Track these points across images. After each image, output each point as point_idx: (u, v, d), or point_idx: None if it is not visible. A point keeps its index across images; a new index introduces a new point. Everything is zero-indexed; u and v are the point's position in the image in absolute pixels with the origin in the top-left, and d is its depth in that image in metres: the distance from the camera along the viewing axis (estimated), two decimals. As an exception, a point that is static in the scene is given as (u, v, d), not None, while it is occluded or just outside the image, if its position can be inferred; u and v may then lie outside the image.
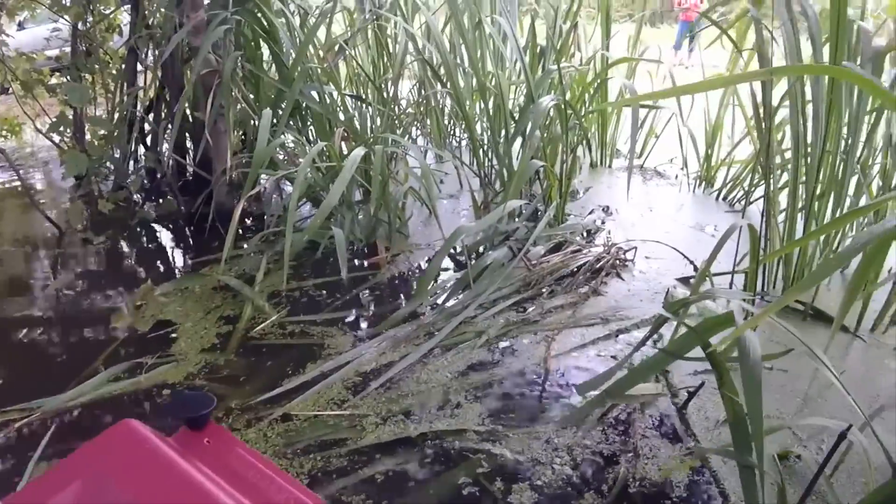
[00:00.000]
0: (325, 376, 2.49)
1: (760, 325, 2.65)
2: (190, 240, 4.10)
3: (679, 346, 2.05)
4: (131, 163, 4.91)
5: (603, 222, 3.96)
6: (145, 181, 4.93)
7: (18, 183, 4.63)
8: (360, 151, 3.22)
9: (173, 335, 2.85)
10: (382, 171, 3.43)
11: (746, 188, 4.20)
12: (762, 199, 3.77)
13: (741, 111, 4.28)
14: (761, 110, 2.89)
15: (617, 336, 2.77)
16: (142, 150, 4.97)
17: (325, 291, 3.22)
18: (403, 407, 2.33)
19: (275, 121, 3.65)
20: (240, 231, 3.88)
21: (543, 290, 3.10)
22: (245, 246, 3.61)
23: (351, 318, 2.99)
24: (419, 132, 5.37)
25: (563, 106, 3.63)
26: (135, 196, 4.67)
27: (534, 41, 4.29)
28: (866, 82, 2.18)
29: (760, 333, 2.75)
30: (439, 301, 3.06)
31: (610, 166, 5.19)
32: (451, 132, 5.56)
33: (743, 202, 4.20)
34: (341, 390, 2.43)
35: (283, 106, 3.73)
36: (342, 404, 2.35)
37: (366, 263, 3.50)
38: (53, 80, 4.97)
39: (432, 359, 2.61)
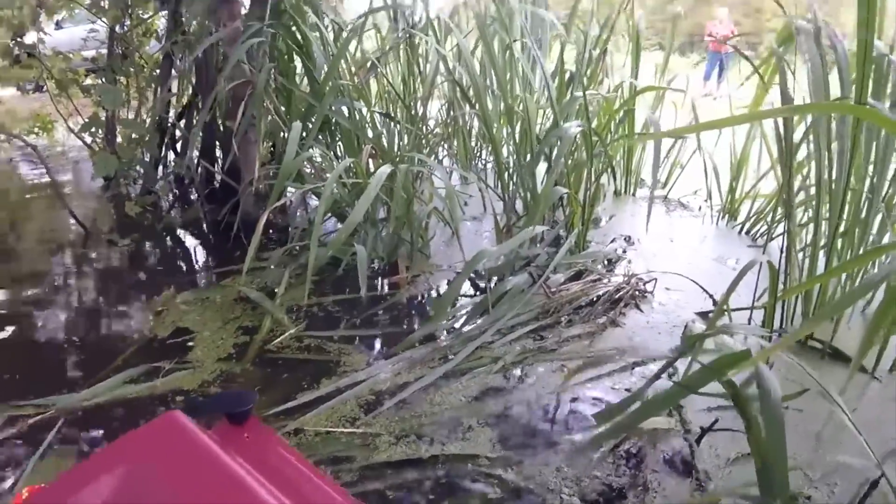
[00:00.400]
0: (339, 392, 2.51)
1: (777, 363, 2.64)
2: (214, 248, 4.15)
3: (695, 381, 2.06)
4: (160, 168, 4.98)
5: (624, 251, 3.96)
6: (173, 187, 4.99)
7: (48, 180, 4.70)
8: (386, 169, 3.25)
9: (191, 343, 2.88)
10: (407, 190, 3.46)
11: (769, 223, 4.19)
12: (784, 235, 3.78)
13: (765, 145, 4.27)
14: (784, 145, 2.88)
15: (633, 369, 2.76)
16: (171, 155, 5.05)
17: (344, 308, 3.23)
18: (416, 428, 2.34)
19: (304, 134, 3.70)
20: (264, 242, 3.92)
21: (562, 318, 3.09)
22: (268, 258, 3.64)
23: (368, 337, 3.01)
24: (445, 153, 5.38)
25: (588, 132, 3.64)
26: (162, 201, 4.74)
27: (562, 67, 4.31)
28: (888, 122, 2.18)
29: (776, 372, 2.74)
30: (457, 325, 3.08)
31: (634, 195, 5.19)
32: (478, 154, 5.59)
33: (765, 237, 4.19)
34: (354, 408, 2.44)
35: (312, 120, 3.78)
36: (355, 422, 2.36)
37: (386, 282, 3.52)
38: (88, 81, 5.07)
39: (447, 382, 2.61)
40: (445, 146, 5.27)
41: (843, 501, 1.98)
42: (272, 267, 3.53)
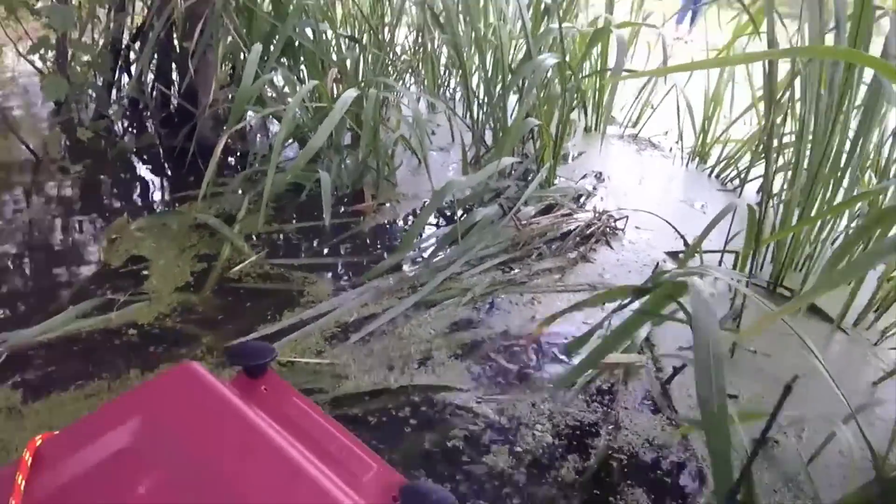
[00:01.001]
0: (303, 324, 2.41)
1: (750, 308, 2.61)
2: (170, 174, 3.95)
3: (654, 305, 2.03)
4: (114, 91, 4.74)
5: (594, 188, 3.88)
6: (128, 111, 4.76)
7: (-4, 105, 4.45)
8: (351, 93, 3.11)
9: (146, 272, 2.73)
10: (374, 116, 3.32)
11: (740, 168, 4.16)
12: (756, 181, 3.75)
13: (747, 86, 4.19)
14: (769, 89, 2.80)
15: (604, 304, 2.71)
16: (126, 78, 4.80)
17: (307, 236, 3.12)
18: (384, 360, 2.26)
19: (265, 57, 3.52)
20: (222, 168, 3.75)
21: (532, 251, 3.02)
22: (227, 184, 3.49)
23: (332, 266, 2.90)
24: (413, 80, 5.20)
25: (563, 65, 3.52)
26: (116, 126, 4.53)
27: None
28: (881, 65, 2.11)
29: (747, 317, 2.70)
30: (425, 255, 2.98)
31: (604, 132, 5.08)
32: (446, 83, 5.40)
33: (736, 182, 4.16)
34: (319, 340, 2.35)
35: (274, 41, 3.59)
36: (320, 354, 2.27)
37: (351, 210, 3.39)
38: (39, 4, 4.77)
39: (415, 313, 2.53)
40: (413, 73, 5.08)
41: (811, 447, 1.97)
42: (231, 193, 3.37)
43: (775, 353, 2.45)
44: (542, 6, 4.10)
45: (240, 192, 3.34)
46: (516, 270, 2.88)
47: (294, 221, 3.23)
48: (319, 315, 2.47)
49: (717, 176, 4.37)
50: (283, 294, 2.63)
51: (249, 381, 1.22)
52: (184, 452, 0.98)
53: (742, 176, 4.15)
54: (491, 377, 2.23)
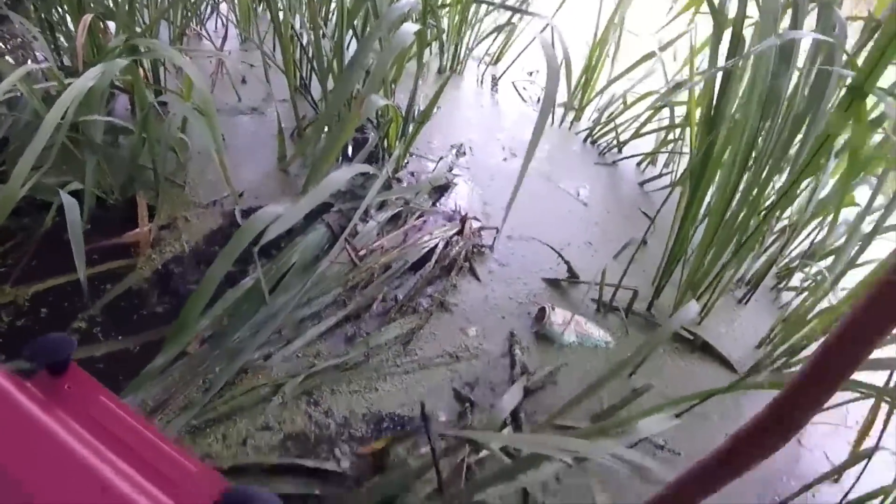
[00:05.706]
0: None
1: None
2: None
3: None
4: None
5: (452, 169, 3.02)
6: None
7: None
8: (78, 87, 1.97)
9: None
10: (143, 102, 2.33)
11: (620, 132, 3.51)
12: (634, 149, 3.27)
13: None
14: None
15: (466, 385, 1.98)
16: None
17: (57, 306, 2.02)
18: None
19: None
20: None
21: (373, 302, 2.17)
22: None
23: (93, 362, 1.87)
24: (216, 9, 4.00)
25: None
26: None
27: None
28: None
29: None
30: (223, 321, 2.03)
31: (461, 73, 4.18)
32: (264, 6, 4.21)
33: (615, 149, 3.53)
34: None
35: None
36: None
37: (119, 243, 2.25)
38: None
39: (195, 435, 1.69)
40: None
41: None
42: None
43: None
44: None
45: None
46: (350, 339, 2.05)
47: (38, 277, 2.07)
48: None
49: (595, 141, 3.66)
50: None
51: (51, 379, 1.01)
52: None
53: (620, 144, 3.52)
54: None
